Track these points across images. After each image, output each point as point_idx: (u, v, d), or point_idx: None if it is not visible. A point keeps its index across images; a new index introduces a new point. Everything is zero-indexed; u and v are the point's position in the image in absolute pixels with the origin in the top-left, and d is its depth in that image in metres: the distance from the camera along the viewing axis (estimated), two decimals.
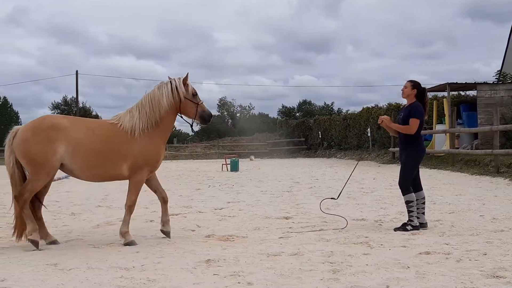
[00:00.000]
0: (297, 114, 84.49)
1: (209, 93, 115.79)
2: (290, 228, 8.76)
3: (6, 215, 11.01)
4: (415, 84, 8.61)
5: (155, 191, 8.28)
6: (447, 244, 7.15)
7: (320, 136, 46.64)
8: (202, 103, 8.13)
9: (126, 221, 7.68)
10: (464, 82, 26.42)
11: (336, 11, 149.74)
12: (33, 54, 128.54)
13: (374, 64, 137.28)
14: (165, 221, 8.15)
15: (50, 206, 12.42)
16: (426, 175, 19.82)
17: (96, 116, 75.90)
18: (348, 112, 55.31)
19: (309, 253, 6.78)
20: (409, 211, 8.44)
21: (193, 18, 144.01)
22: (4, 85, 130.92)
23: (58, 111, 78.28)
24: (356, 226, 8.81)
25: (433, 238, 7.62)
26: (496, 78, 30.52)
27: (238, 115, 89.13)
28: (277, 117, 75.20)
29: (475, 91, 26.98)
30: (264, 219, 9.85)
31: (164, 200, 8.24)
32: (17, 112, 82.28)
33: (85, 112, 71.82)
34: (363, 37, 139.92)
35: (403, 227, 8.34)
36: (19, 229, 7.55)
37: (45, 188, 7.83)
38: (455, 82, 26.40)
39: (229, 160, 28.07)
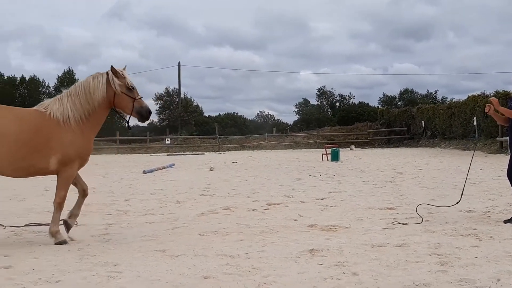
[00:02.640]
0: (399, 103, 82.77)
1: (307, 83, 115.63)
2: (394, 219, 8.63)
3: (115, 202, 11.51)
4: None
5: (75, 184, 7.54)
6: None
7: (423, 125, 45.45)
8: (140, 98, 7.51)
9: (56, 219, 7.16)
10: None
11: None
12: (135, 47, 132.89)
13: (477, 51, 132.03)
14: (74, 214, 7.55)
15: (156, 194, 12.89)
16: None
17: (197, 106, 77.58)
18: (453, 100, 53.55)
19: (415, 244, 6.65)
20: None
21: (289, 7, 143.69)
22: None
23: (161, 102, 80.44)
24: (463, 218, 8.56)
25: None
26: None
27: (337, 104, 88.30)
28: (378, 106, 73.93)
29: None
30: (367, 209, 9.75)
31: (84, 194, 7.63)
32: None
33: (187, 103, 73.44)
34: (465, 23, 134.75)
35: None
36: None
37: None
38: None
39: (330, 149, 27.93)
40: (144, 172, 20.75)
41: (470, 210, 9.28)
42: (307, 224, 8.29)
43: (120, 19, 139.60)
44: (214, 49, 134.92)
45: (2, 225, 8.24)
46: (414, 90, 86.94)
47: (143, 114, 7.50)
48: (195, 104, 78.95)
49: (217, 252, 6.35)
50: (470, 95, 39.09)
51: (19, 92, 76.85)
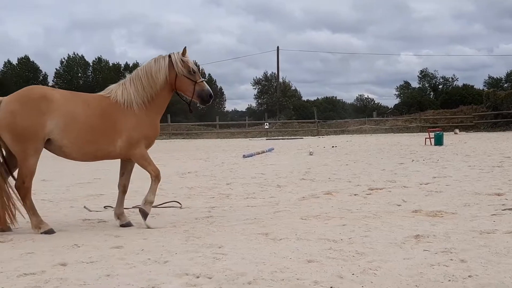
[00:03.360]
0: (505, 85, 79.25)
1: (408, 65, 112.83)
2: (503, 205, 8.28)
3: (217, 186, 11.74)
4: None
5: (121, 174, 7.64)
6: None
7: None
8: (202, 81, 7.51)
9: (153, 190, 7.32)
10: None
11: None
12: (233, 32, 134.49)
13: None
14: (119, 213, 7.52)
15: (257, 178, 13.04)
16: None
17: (295, 91, 77.59)
18: None
19: None
20: None
21: None
22: (208, 63, 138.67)
23: (259, 86, 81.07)
24: None
25: None
26: None
27: (440, 87, 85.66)
28: (483, 89, 71.08)
29: None
30: (474, 195, 9.41)
31: (124, 190, 7.62)
32: (221, 87, 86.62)
33: (285, 87, 73.67)
34: None
35: None
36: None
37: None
38: None
39: (433, 133, 27.19)
40: (244, 156, 21.04)
41: None
42: (411, 210, 8.12)
43: (218, 5, 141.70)
44: (312, 32, 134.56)
45: (112, 207, 8.62)
46: None
47: (204, 97, 7.48)
48: (293, 88, 79.16)
49: (319, 237, 6.34)
50: None
51: (123, 78, 79.82)
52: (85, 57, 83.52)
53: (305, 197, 9.75)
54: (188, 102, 7.71)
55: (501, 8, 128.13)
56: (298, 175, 13.59)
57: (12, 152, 6.85)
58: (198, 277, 4.76)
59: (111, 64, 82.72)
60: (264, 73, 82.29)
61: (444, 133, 28.73)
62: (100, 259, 5.45)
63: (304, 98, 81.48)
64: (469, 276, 4.64)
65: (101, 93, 7.44)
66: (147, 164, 7.30)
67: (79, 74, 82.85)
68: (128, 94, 7.25)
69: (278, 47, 66.28)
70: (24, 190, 6.84)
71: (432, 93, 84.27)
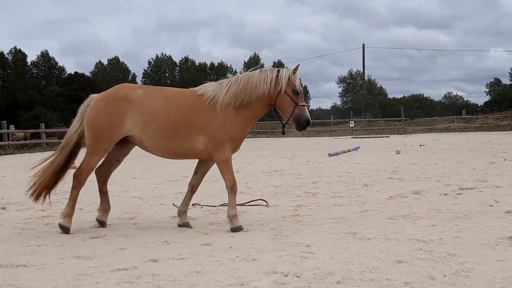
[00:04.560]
0: None
1: (498, 62, 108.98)
2: None
3: (303, 184, 11.75)
4: None
5: (195, 173, 7.55)
6: None
7: None
8: (303, 105, 7.12)
9: (232, 203, 7.05)
10: None
11: None
12: (317, 30, 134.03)
13: None
14: (182, 212, 7.43)
15: (343, 177, 12.96)
16: None
17: (381, 88, 76.52)
18: None
19: None
20: None
21: None
22: (292, 61, 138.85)
23: (344, 84, 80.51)
24: None
25: None
26: None
27: None
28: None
29: None
30: None
31: (193, 190, 7.51)
32: (305, 86, 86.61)
33: (371, 85, 72.86)
34: None
35: None
36: (40, 188, 7.20)
37: (117, 163, 7.63)
38: None
39: None
40: (329, 155, 20.95)
41: None
42: (505, 210, 7.84)
43: (302, 3, 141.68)
44: (397, 29, 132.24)
45: (199, 205, 8.82)
46: None
47: (301, 122, 7.10)
48: (378, 86, 78.12)
49: (408, 237, 6.24)
50: None
51: (209, 78, 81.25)
52: (172, 57, 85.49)
53: (393, 197, 9.60)
54: (284, 123, 7.41)
55: None
56: (385, 174, 13.40)
57: (86, 145, 7.14)
58: (286, 275, 4.80)
59: (197, 64, 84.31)
60: (349, 71, 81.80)
61: None
62: (189, 256, 5.59)
63: (390, 96, 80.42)
64: None
65: (195, 88, 7.41)
66: (226, 171, 7.10)
67: (166, 74, 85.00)
68: (219, 92, 7.11)
69: (363, 44, 65.51)
70: (77, 180, 7.07)
71: None
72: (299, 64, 7.35)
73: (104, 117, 6.94)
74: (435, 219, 7.33)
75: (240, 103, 7.09)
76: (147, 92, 7.20)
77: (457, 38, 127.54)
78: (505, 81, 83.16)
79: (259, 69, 7.32)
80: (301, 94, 7.21)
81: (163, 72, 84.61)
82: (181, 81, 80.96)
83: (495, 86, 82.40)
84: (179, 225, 7.34)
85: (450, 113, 64.65)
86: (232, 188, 7.06)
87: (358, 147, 25.29)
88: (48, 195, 7.28)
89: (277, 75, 7.14)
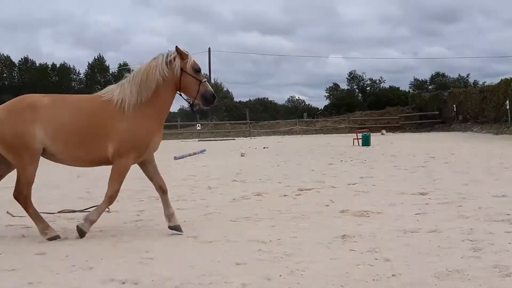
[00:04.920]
0: (430, 87, 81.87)
1: (337, 68, 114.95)
2: (426, 204, 8.54)
3: (147, 188, 11.60)
4: None
5: (151, 179, 7.23)
6: None
7: (455, 110, 44.89)
8: (205, 81, 7.02)
9: (99, 210, 6.78)
10: None
11: None
12: (163, 33, 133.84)
13: (508, 34, 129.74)
14: (169, 215, 7.03)
15: (188, 180, 12.98)
16: None
17: (228, 92, 77.76)
18: (485, 84, 52.99)
19: (448, 230, 6.58)
20: None
21: None
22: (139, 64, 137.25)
23: None
24: (497, 203, 8.42)
25: None
26: None
27: (368, 88, 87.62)
28: (409, 91, 73.19)
29: None
30: (399, 194, 9.66)
31: (162, 190, 7.12)
32: None
33: (217, 89, 73.67)
34: (494, 6, 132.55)
35: None
36: None
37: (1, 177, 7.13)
38: None
39: (361, 134, 27.76)
40: (175, 158, 20.88)
41: (503, 195, 9.12)
42: (339, 210, 8.25)
43: (147, 6, 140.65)
44: (243, 34, 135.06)
45: (11, 214, 8.33)
46: (446, 74, 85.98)
47: (208, 98, 6.97)
48: (225, 89, 79.26)
49: (249, 238, 6.37)
50: (502, 78, 38.71)
51: (50, 79, 77.90)
52: (10, 57, 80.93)
53: (236, 199, 9.76)
54: (191, 102, 7.15)
55: (425, 12, 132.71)
56: (229, 177, 13.60)
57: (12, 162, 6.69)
58: (124, 283, 4.71)
59: (37, 64, 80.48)
60: None
61: (371, 134, 29.37)
62: (22, 266, 5.30)
63: (237, 99, 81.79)
64: (393, 275, 4.77)
65: (99, 93, 7.05)
66: (117, 180, 6.75)
67: (4, 75, 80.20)
68: (123, 94, 6.74)
69: (209, 48, 66.09)
70: (23, 199, 6.63)
71: (360, 94, 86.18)
72: (190, 52, 7.08)
73: (10, 127, 6.45)
74: (275, 220, 7.55)
75: (145, 98, 6.73)
76: (54, 100, 6.75)
77: (299, 44, 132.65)
78: (343, 86, 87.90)
79: (153, 58, 6.95)
80: (201, 71, 7.05)
81: (0, 73, 79.82)
82: (21, 82, 76.77)
83: (334, 90, 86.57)
84: (170, 228, 6.92)
85: (293, 116, 67.04)
86: (110, 198, 6.73)
87: (204, 150, 25.48)
88: None
89: (168, 58, 6.85)
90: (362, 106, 69.92)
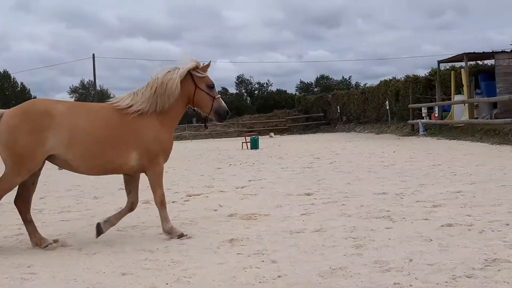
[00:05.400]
0: (315, 89, 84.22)
1: (224, 72, 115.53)
2: (312, 204, 8.78)
3: None
4: None
5: (129, 192, 7.26)
6: (469, 216, 7.13)
7: (339, 111, 46.40)
8: (219, 97, 7.26)
9: (165, 218, 6.87)
10: (481, 52, 26.19)
11: None
12: (45, 39, 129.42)
13: (387, 37, 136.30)
14: (111, 221, 7.02)
15: (73, 190, 12.60)
16: (446, 146, 19.76)
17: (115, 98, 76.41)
18: (366, 85, 55.22)
19: (332, 229, 6.80)
20: None
21: None
22: (20, 71, 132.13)
23: (77, 95, 78.67)
24: (378, 200, 8.80)
25: (455, 210, 7.59)
26: None
27: (256, 92, 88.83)
28: (295, 93, 74.86)
29: (493, 60, 26.70)
30: (286, 196, 9.87)
31: (130, 208, 7.19)
32: (36, 97, 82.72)
33: (103, 95, 72.21)
34: (373, 9, 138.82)
35: None
36: None
37: (33, 185, 6.83)
38: (472, 52, 26.16)
39: (249, 138, 28.08)
40: (59, 168, 20.16)
41: (383, 193, 9.54)
42: (227, 214, 8.31)
43: (27, 12, 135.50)
44: (128, 40, 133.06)
45: None
46: (330, 77, 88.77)
47: (221, 114, 7.23)
48: (112, 95, 77.64)
49: (135, 248, 6.29)
50: (382, 79, 40.56)
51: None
52: None
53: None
54: (205, 118, 7.47)
55: (308, 17, 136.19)
56: (115, 185, 13.29)
57: (5, 165, 6.38)
58: None
59: None
60: (81, 81, 79.97)
61: (260, 136, 29.81)
62: None
63: None
64: (278, 277, 4.86)
65: (111, 101, 7.03)
66: (158, 186, 6.97)
67: None
68: (141, 103, 6.77)
69: (93, 54, 64.46)
70: None
71: (248, 98, 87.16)
72: (210, 61, 7.36)
73: (22, 135, 6.20)
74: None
75: (162, 109, 6.84)
76: (69, 107, 6.63)
77: (186, 49, 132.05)
78: (232, 90, 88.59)
79: (168, 69, 7.04)
80: (214, 87, 7.24)
81: None
82: None
83: (222, 94, 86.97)
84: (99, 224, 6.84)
85: (182, 121, 66.77)
86: (162, 203, 6.90)
87: None
88: None
89: (187, 72, 7.01)
90: (251, 110, 70.73)
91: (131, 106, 6.76)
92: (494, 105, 25.08)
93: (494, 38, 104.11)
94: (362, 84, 75.47)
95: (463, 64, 27.39)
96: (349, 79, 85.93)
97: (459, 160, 14.63)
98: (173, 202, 9.88)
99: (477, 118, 24.81)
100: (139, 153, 6.72)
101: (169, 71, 7.03)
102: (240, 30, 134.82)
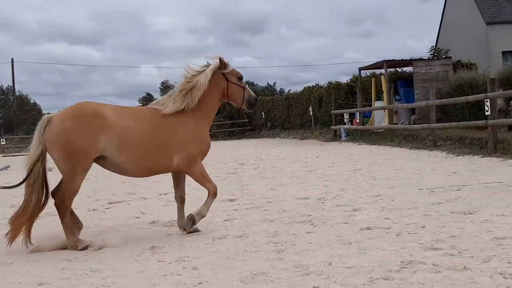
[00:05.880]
0: None
1: (150, 77, 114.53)
2: (235, 210, 8.80)
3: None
4: None
5: (176, 186, 7.64)
6: (387, 219, 7.32)
7: (263, 117, 46.77)
8: (247, 87, 7.64)
9: (207, 206, 7.33)
10: (400, 59, 27.04)
11: None
12: None
13: (310, 44, 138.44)
14: (182, 225, 7.32)
15: None
16: (367, 151, 20.23)
17: (35, 104, 74.17)
18: (290, 91, 55.93)
19: (254, 234, 6.83)
20: None
21: (124, 2, 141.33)
22: None
23: None
24: (300, 205, 8.91)
25: (374, 214, 7.78)
26: (431, 54, 31.19)
27: None
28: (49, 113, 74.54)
29: (411, 68, 27.59)
30: None
31: (181, 200, 7.56)
32: None
33: (22, 101, 70.03)
34: (296, 17, 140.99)
35: None
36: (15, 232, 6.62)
37: None
38: (391, 59, 27.00)
39: None
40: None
41: (306, 197, 9.68)
42: (150, 221, 8.23)
43: None
44: (49, 44, 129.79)
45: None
46: (255, 83, 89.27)
47: (252, 102, 7.63)
48: (32, 102, 75.43)
49: (53, 257, 6.13)
50: (305, 86, 41.16)
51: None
52: None
53: (41, 216, 9.22)
54: (238, 109, 7.85)
55: (232, 23, 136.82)
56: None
57: (59, 169, 6.71)
58: None
59: None
60: (0, 86, 77.28)
61: None
62: None
63: (45, 112, 78.10)
64: (199, 283, 4.84)
65: (151, 105, 7.29)
66: (205, 181, 7.32)
67: None
68: (176, 104, 7.03)
69: (12, 59, 62.65)
70: (64, 208, 6.64)
71: None
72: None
73: (77, 135, 6.47)
74: (82, 235, 7.27)
75: (194, 106, 7.10)
76: (116, 110, 6.88)
77: (108, 54, 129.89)
78: (157, 95, 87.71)
79: (199, 70, 7.28)
80: (243, 78, 7.63)
81: None
82: None
83: (148, 100, 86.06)
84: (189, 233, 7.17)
85: None
86: (215, 193, 7.36)
87: (9, 166, 24.04)
88: (29, 239, 6.59)
89: (214, 69, 7.30)
90: None
91: (168, 107, 7.04)
92: (413, 111, 25.94)
93: (413, 46, 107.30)
94: (286, 90, 76.24)
95: (383, 71, 28.21)
96: (274, 85, 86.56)
97: (379, 164, 15.01)
98: (93, 209, 9.71)
99: (396, 123, 25.55)
100: (180, 153, 7.01)
101: (200, 72, 7.27)
102: (165, 35, 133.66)
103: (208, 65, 7.35)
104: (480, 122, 16.82)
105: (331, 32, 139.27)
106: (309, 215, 7.93)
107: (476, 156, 15.25)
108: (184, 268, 5.39)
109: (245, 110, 7.99)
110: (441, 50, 31.52)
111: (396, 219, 7.30)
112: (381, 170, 13.57)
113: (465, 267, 4.84)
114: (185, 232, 7.18)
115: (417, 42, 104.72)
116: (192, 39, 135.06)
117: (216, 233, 7.04)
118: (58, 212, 6.75)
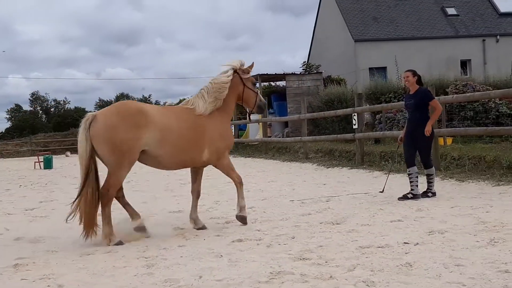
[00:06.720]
0: None
1: (18, 88, 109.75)
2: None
3: None
4: (414, 72, 9.72)
5: (194, 181, 8.18)
6: (258, 230, 7.43)
7: None
8: (259, 92, 8.33)
9: (241, 195, 7.98)
10: (274, 73, 27.78)
11: (141, 2, 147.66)
12: None
13: (186, 57, 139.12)
14: (195, 218, 7.98)
15: None
16: (241, 163, 20.47)
17: None
18: (166, 104, 55.72)
19: (124, 249, 6.70)
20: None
21: None
22: None
23: None
24: (173, 219, 8.84)
25: (246, 226, 7.87)
26: (303, 69, 32.24)
27: (52, 110, 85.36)
28: (94, 111, 73.13)
29: (285, 82, 28.33)
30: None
31: (197, 195, 8.15)
32: None
33: None
34: (172, 29, 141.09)
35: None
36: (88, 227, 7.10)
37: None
38: (265, 73, 27.62)
39: (42, 157, 26.83)
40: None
41: (179, 211, 9.63)
42: (14, 238, 7.81)
43: None
44: None
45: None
46: (130, 95, 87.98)
47: (262, 107, 8.40)
48: None
49: None
50: (181, 98, 41.38)
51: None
52: None
53: None
54: (250, 113, 8.49)
55: (106, 34, 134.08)
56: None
57: (105, 163, 7.11)
58: None
59: None
60: None
61: (55, 156, 28.60)
62: None
63: None
64: None
65: (183, 104, 7.83)
66: (231, 172, 7.99)
67: None
68: (206, 105, 7.68)
69: None
70: (107, 198, 7.08)
71: (44, 116, 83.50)
72: (253, 62, 8.30)
73: (123, 131, 6.88)
74: None
75: (224, 108, 7.88)
76: (156, 108, 7.51)
77: None
78: (26, 107, 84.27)
79: (222, 73, 7.96)
80: (256, 84, 8.51)
81: None
82: None
83: (15, 112, 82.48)
84: (198, 229, 7.81)
85: None
86: (241, 183, 8.02)
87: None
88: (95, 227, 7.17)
89: (237, 73, 8.04)
90: (47, 128, 67.89)
91: (200, 107, 7.67)
92: (286, 124, 26.64)
93: (287, 61, 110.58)
94: (162, 103, 75.85)
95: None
96: (149, 97, 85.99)
97: (252, 176, 15.23)
98: None
99: (270, 136, 26.10)
100: (209, 149, 7.68)
101: (227, 76, 7.92)
102: (35, 45, 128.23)
103: (230, 71, 8.00)
104: (349, 135, 17.56)
105: (207, 45, 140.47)
106: (182, 229, 7.91)
107: (345, 168, 15.90)
108: (48, 286, 5.18)
109: (256, 113, 8.81)
110: (313, 65, 32.68)
111: (267, 230, 7.43)
112: (255, 182, 13.78)
113: (331, 276, 5.01)
114: (196, 228, 7.83)
115: (290, 57, 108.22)
116: (63, 49, 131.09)
117: (83, 249, 6.81)
118: (101, 201, 7.13)
